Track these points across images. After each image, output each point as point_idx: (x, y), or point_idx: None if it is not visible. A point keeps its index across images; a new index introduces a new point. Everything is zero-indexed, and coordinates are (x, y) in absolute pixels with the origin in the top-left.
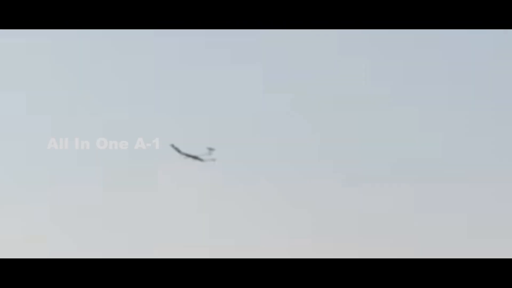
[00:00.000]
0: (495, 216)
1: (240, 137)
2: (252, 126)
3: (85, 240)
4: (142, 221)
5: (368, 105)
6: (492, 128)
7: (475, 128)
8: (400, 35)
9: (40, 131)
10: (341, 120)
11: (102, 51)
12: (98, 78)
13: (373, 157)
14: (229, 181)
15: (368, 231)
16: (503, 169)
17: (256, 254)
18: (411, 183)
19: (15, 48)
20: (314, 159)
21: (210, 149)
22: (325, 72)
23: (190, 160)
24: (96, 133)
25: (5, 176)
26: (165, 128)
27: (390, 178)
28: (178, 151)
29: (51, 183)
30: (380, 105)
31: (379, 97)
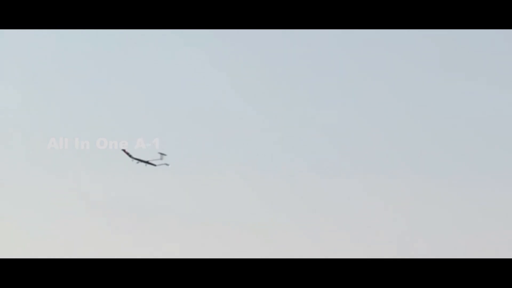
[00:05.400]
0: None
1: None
2: None
3: (86, 240)
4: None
5: None
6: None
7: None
8: None
9: (40, 131)
10: None
11: (103, 51)
12: (99, 78)
13: None
14: None
15: None
16: None
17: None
18: None
19: (15, 48)
20: None
21: (162, 154)
22: None
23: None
24: (96, 133)
25: (5, 176)
26: (165, 128)
27: None
28: (130, 156)
29: (51, 183)
30: None
31: None
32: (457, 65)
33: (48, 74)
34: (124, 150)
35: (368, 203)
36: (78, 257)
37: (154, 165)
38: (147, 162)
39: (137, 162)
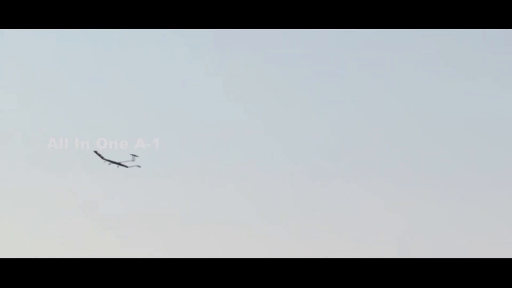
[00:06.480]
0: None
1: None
2: None
3: (86, 240)
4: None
5: None
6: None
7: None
8: None
9: (40, 131)
10: None
11: (103, 51)
12: (99, 78)
13: None
14: None
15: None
16: None
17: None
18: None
19: (15, 48)
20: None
21: (134, 156)
22: None
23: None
24: (96, 133)
25: (5, 176)
26: (165, 128)
27: None
28: (101, 157)
29: (51, 183)
30: None
31: None
32: (457, 65)
33: (48, 74)
34: (96, 152)
35: (368, 203)
36: (78, 257)
37: (126, 166)
38: (119, 164)
39: (109, 164)
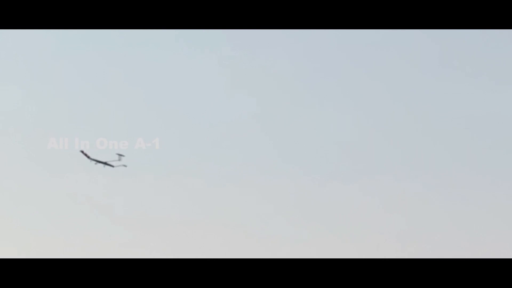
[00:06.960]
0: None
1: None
2: None
3: (86, 240)
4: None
5: None
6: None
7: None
8: None
9: (40, 131)
10: None
11: (103, 51)
12: (99, 78)
13: None
14: None
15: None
16: None
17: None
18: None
19: (15, 48)
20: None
21: (120, 155)
22: None
23: (101, 165)
24: (96, 133)
25: (5, 176)
26: (165, 128)
27: None
28: (88, 157)
29: (51, 183)
30: None
31: None
32: (457, 65)
33: (48, 74)
34: (82, 151)
35: (367, 203)
36: (78, 257)
37: (112, 166)
38: (105, 163)
39: (96, 163)
